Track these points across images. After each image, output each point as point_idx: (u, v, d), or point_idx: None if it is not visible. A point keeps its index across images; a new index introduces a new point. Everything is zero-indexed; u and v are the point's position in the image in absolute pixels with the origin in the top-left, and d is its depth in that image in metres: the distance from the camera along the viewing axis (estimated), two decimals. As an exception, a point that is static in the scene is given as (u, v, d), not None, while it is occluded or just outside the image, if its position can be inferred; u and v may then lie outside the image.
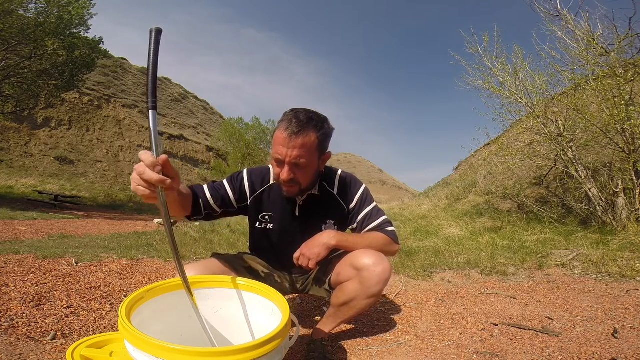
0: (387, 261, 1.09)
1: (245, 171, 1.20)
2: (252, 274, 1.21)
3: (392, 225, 1.22)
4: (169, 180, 0.71)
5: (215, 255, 1.24)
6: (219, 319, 1.07)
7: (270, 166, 1.20)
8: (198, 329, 0.99)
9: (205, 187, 1.13)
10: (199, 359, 0.65)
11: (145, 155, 0.69)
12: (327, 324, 1.25)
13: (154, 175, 0.69)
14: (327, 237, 1.10)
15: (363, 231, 1.20)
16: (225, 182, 1.17)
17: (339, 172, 1.23)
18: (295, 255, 1.13)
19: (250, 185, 1.17)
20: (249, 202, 1.18)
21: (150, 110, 0.68)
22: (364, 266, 1.07)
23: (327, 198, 1.19)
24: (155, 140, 0.70)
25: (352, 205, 1.20)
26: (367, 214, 1.20)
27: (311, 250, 1.09)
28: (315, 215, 1.19)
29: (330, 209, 1.19)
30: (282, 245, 1.22)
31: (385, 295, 2.06)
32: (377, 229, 1.19)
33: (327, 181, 1.19)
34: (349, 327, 1.59)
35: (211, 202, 1.10)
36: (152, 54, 0.67)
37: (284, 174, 1.01)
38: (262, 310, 1.02)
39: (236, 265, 1.19)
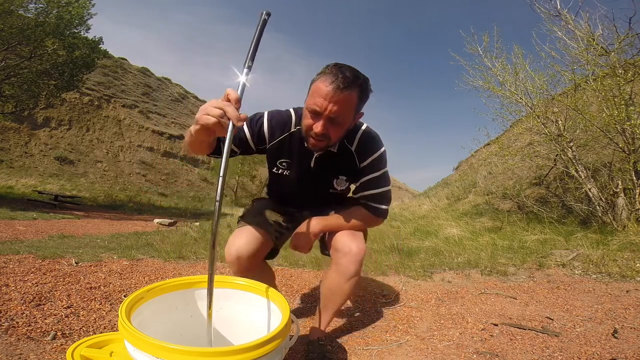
0: (362, 241, 1.17)
1: (265, 115, 1.16)
2: (279, 229, 1.28)
3: (386, 201, 1.21)
4: (242, 123, 0.76)
5: (244, 219, 1.28)
6: (219, 319, 1.07)
7: (292, 111, 1.19)
8: (198, 329, 0.99)
9: None
10: (199, 359, 0.65)
11: (232, 90, 0.77)
12: (321, 320, 1.28)
13: (235, 113, 0.75)
14: (312, 226, 1.19)
15: (360, 193, 1.22)
16: (244, 124, 1.17)
17: (363, 127, 1.18)
18: (291, 246, 1.24)
19: (270, 131, 1.15)
20: (267, 146, 1.17)
21: (245, 69, 0.79)
22: (340, 248, 1.14)
23: (344, 155, 1.16)
24: (242, 93, 0.78)
25: (363, 164, 1.16)
26: (371, 179, 1.18)
27: (301, 241, 1.21)
28: (329, 170, 1.19)
29: (344, 164, 1.18)
30: (296, 192, 1.28)
31: (385, 295, 2.06)
32: (370, 199, 1.20)
33: (347, 137, 1.15)
34: (348, 326, 1.59)
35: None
36: (257, 31, 0.82)
37: (319, 127, 0.99)
38: (262, 310, 1.02)
39: (267, 227, 1.24)
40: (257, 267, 1.21)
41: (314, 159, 1.16)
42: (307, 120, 1.02)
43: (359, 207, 1.22)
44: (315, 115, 0.99)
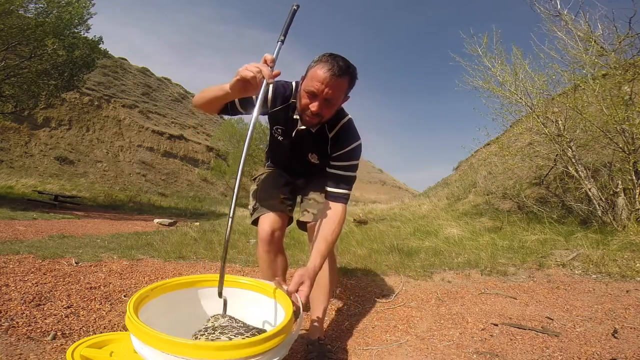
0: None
1: (271, 86, 1.27)
2: (288, 202, 1.48)
3: (350, 186, 1.31)
4: (272, 80, 0.97)
5: (262, 207, 1.42)
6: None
7: (294, 83, 1.32)
8: (198, 328, 0.99)
9: None
10: (209, 352, 0.65)
11: (269, 54, 1.00)
12: (316, 314, 1.34)
13: (268, 72, 0.96)
14: (304, 293, 1.05)
15: (331, 170, 1.30)
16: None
17: (345, 120, 1.31)
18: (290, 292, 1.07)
19: (273, 100, 1.29)
20: (268, 111, 1.32)
21: (278, 42, 1.07)
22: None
23: (320, 137, 1.31)
24: (276, 56, 1.03)
25: (336, 154, 1.30)
26: (340, 166, 1.29)
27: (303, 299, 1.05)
28: (305, 145, 1.35)
29: (319, 146, 1.33)
30: (287, 156, 1.45)
31: (385, 295, 2.06)
32: (338, 181, 1.29)
33: (329, 123, 1.29)
34: (348, 326, 1.59)
35: (238, 106, 1.27)
36: (288, 18, 1.09)
37: (315, 106, 1.13)
38: (264, 309, 1.02)
39: (282, 207, 1.43)
40: (281, 242, 1.45)
41: (295, 131, 1.31)
42: (304, 100, 1.16)
43: (327, 214, 1.25)
44: (312, 96, 1.13)
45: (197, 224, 6.87)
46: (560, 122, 4.26)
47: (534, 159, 5.00)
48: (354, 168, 1.32)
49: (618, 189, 3.67)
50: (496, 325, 1.58)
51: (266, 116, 1.37)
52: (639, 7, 3.68)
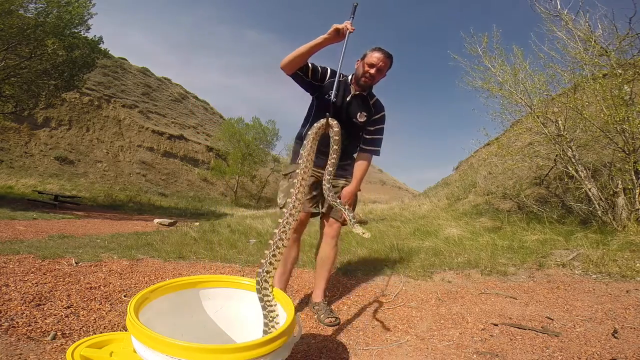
0: (339, 225, 1.84)
1: (328, 67, 1.81)
2: (313, 201, 1.82)
3: (380, 144, 1.92)
4: (353, 30, 1.54)
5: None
6: (222, 318, 1.07)
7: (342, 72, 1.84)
8: (199, 330, 0.99)
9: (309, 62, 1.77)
10: (211, 355, 0.65)
11: (347, 21, 1.56)
12: (319, 286, 1.82)
13: (351, 27, 1.53)
14: (349, 192, 1.83)
15: (369, 136, 1.88)
16: (315, 64, 1.78)
17: (376, 96, 1.92)
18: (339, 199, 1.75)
19: (331, 74, 1.80)
20: (325, 82, 1.79)
21: (350, 17, 1.58)
22: (327, 232, 1.84)
23: (365, 102, 1.86)
24: (352, 21, 1.56)
25: (375, 117, 1.88)
26: (377, 129, 1.89)
27: (348, 199, 1.82)
28: (357, 106, 1.84)
29: (366, 107, 1.86)
30: (334, 114, 1.71)
31: (385, 295, 2.06)
32: (373, 142, 1.90)
33: (370, 96, 1.90)
34: (348, 327, 1.59)
35: (310, 68, 1.74)
36: (352, 10, 1.61)
37: (374, 70, 1.74)
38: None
39: (307, 208, 1.78)
40: (302, 233, 1.87)
41: (350, 95, 1.83)
42: (365, 68, 1.75)
43: (361, 159, 1.88)
44: (371, 66, 1.74)
45: (197, 224, 6.87)
46: (560, 122, 4.26)
47: (534, 159, 5.00)
48: (383, 131, 1.92)
49: (618, 189, 3.67)
50: (496, 325, 1.58)
51: (313, 91, 1.82)
52: (639, 7, 3.68)
